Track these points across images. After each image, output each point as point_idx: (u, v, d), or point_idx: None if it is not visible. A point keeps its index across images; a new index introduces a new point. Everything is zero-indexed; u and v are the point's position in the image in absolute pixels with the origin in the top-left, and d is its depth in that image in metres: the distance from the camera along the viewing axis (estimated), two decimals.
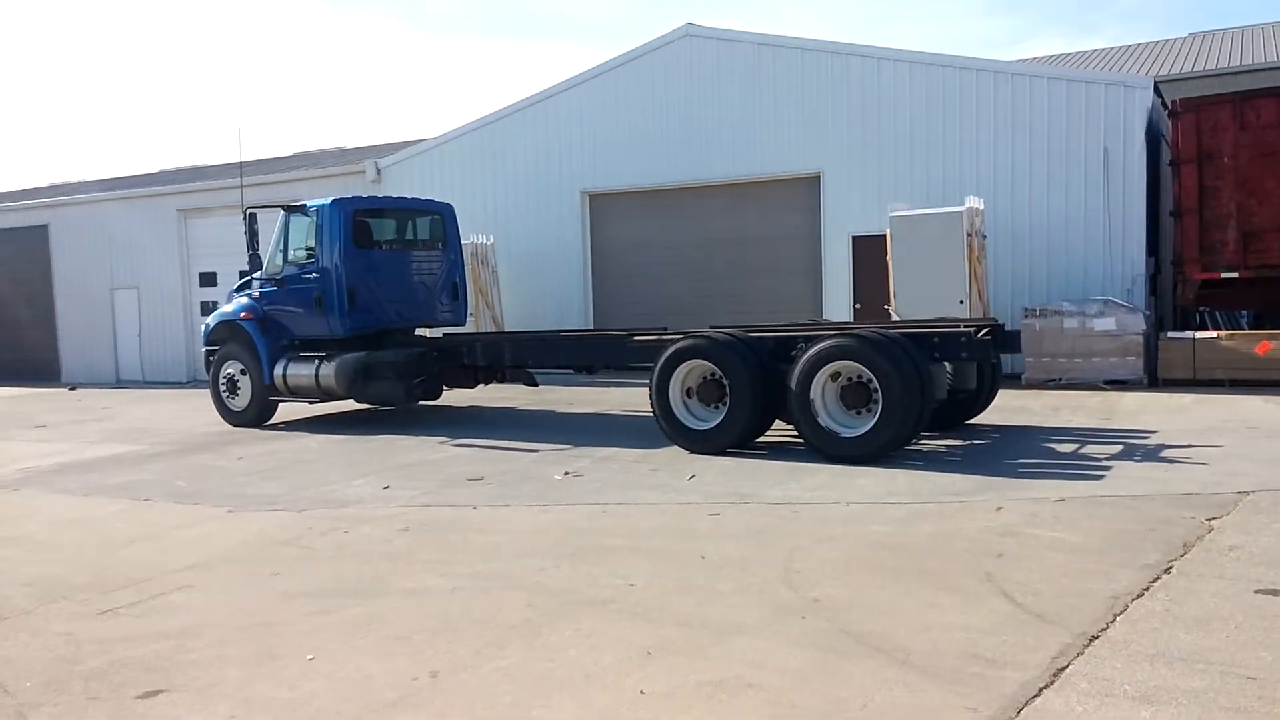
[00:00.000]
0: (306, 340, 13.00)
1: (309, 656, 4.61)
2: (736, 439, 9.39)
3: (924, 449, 9.24)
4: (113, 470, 10.34)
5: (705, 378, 9.62)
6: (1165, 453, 8.52)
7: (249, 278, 13.53)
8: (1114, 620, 4.59)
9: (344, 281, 12.50)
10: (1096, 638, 4.40)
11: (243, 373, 13.24)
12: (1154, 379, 13.19)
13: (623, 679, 4.20)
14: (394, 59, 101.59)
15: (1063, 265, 14.86)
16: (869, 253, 15.93)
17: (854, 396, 8.79)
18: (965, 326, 9.58)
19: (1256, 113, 12.98)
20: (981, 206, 14.46)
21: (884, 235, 14.80)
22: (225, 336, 13.54)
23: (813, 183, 16.84)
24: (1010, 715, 3.73)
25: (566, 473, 8.93)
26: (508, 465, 9.49)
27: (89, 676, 4.52)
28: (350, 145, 30.07)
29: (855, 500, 7.27)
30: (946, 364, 9.40)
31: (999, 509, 6.79)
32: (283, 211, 13.12)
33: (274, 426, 13.24)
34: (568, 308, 19.05)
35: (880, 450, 8.58)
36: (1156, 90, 14.92)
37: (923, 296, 13.88)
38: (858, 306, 16.36)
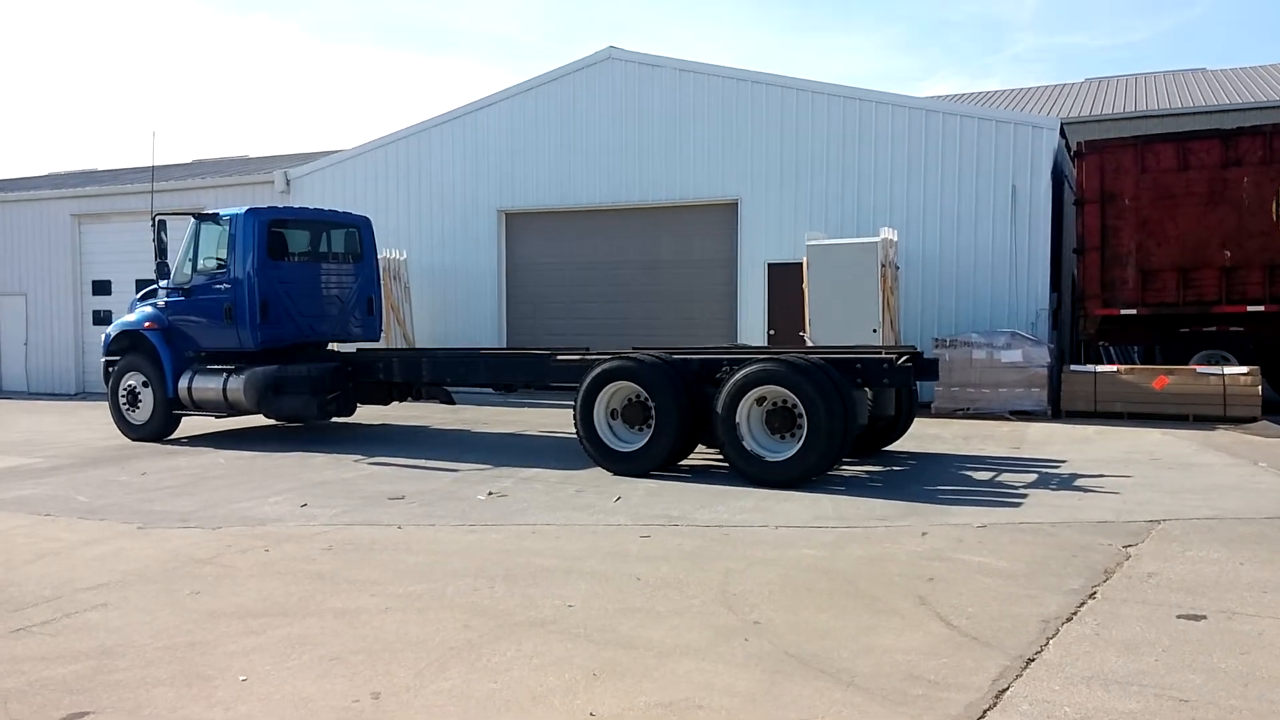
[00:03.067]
0: (213, 352, 12.55)
1: (242, 678, 4.39)
2: (661, 461, 9.37)
3: (845, 474, 9.39)
4: (6, 484, 9.75)
5: (630, 399, 9.63)
6: (1077, 481, 8.84)
7: (154, 286, 13.00)
8: (1047, 644, 4.71)
9: (256, 293, 12.14)
10: (1033, 660, 4.50)
11: (145, 385, 12.70)
12: (1057, 410, 13.71)
13: (571, 700, 4.12)
14: (293, 68, 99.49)
15: (971, 297, 15.37)
16: (784, 280, 16.20)
17: (779, 421, 8.89)
18: (886, 354, 9.77)
19: (1156, 157, 13.70)
20: (895, 238, 14.86)
21: (800, 263, 15.07)
22: (126, 347, 12.99)
23: (730, 209, 17.07)
24: None
25: (490, 493, 8.78)
26: (428, 484, 9.28)
27: (7, 697, 4.22)
28: (252, 155, 29.28)
29: (783, 524, 7.33)
30: (868, 390, 9.58)
31: (925, 534, 6.93)
32: (193, 219, 12.67)
33: (176, 441, 12.71)
34: (480, 326, 18.86)
35: (804, 474, 8.68)
36: (1062, 131, 15.61)
37: (837, 324, 14.19)
38: (772, 333, 16.60)
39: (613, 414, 9.71)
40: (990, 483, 8.94)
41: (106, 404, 13.29)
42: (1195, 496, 8.10)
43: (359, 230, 13.66)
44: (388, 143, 19.73)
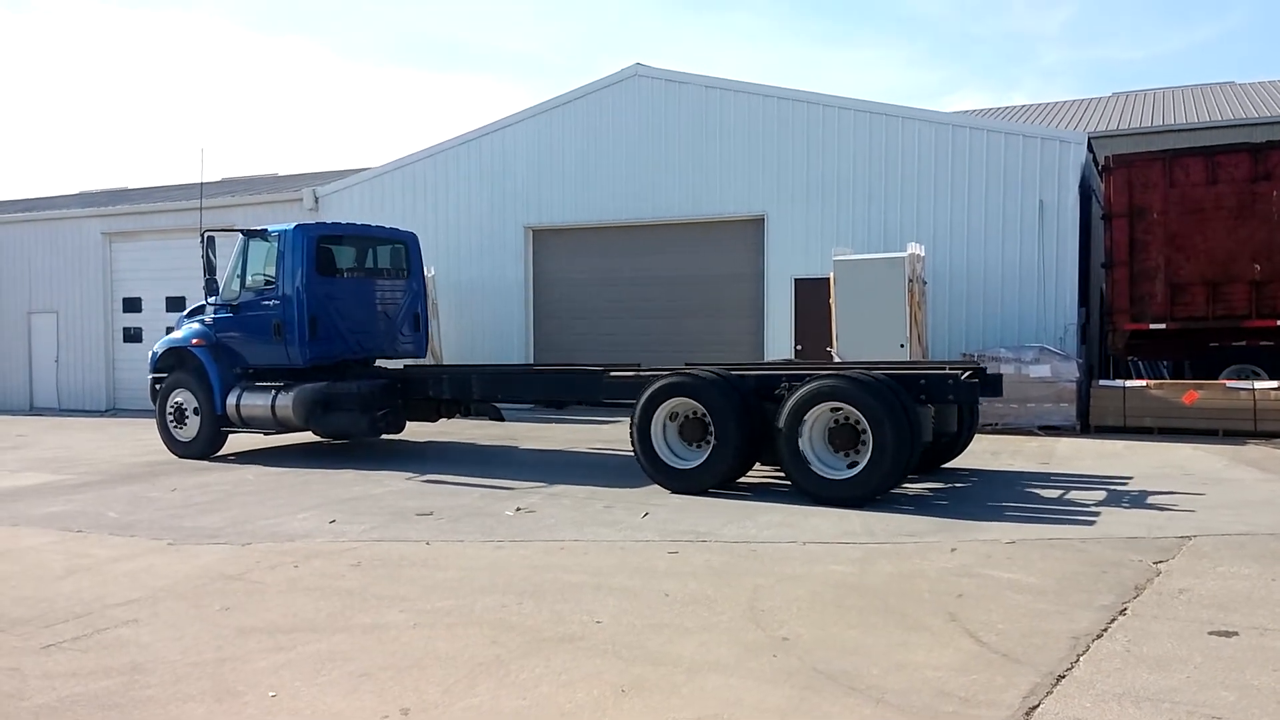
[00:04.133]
0: (261, 369, 12.54)
1: (271, 694, 4.43)
2: (719, 479, 9.20)
3: (909, 492, 9.24)
4: (38, 500, 9.89)
5: (688, 416, 9.44)
6: (1107, 497, 8.75)
7: (201, 304, 13.07)
8: (1078, 660, 4.67)
9: (305, 309, 12.10)
10: (1063, 677, 4.46)
11: (193, 409, 12.68)
12: (1085, 425, 13.59)
13: (599, 717, 4.13)
14: (320, 88, 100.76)
15: (998, 312, 15.29)
16: (811, 295, 16.19)
17: (842, 438, 8.66)
18: (951, 369, 9.42)
19: (1185, 171, 13.60)
20: (922, 253, 14.82)
21: (827, 278, 15.05)
22: (173, 364, 13.00)
23: (757, 224, 17.09)
24: None
25: (518, 508, 8.81)
26: (457, 500, 9.33)
27: (39, 712, 4.28)
28: (282, 173, 29.64)
29: (812, 540, 7.31)
30: (931, 407, 9.22)
31: (954, 550, 6.89)
32: (241, 235, 12.68)
33: (223, 458, 12.80)
34: (507, 342, 18.96)
35: (870, 493, 8.46)
36: (1089, 146, 15.53)
37: (864, 340, 14.13)
38: (799, 348, 16.57)
39: (669, 431, 9.53)
40: (1019, 498, 8.87)
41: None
42: (1228, 512, 8.01)
43: (406, 246, 13.61)
44: (415, 160, 19.93)
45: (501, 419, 13.00)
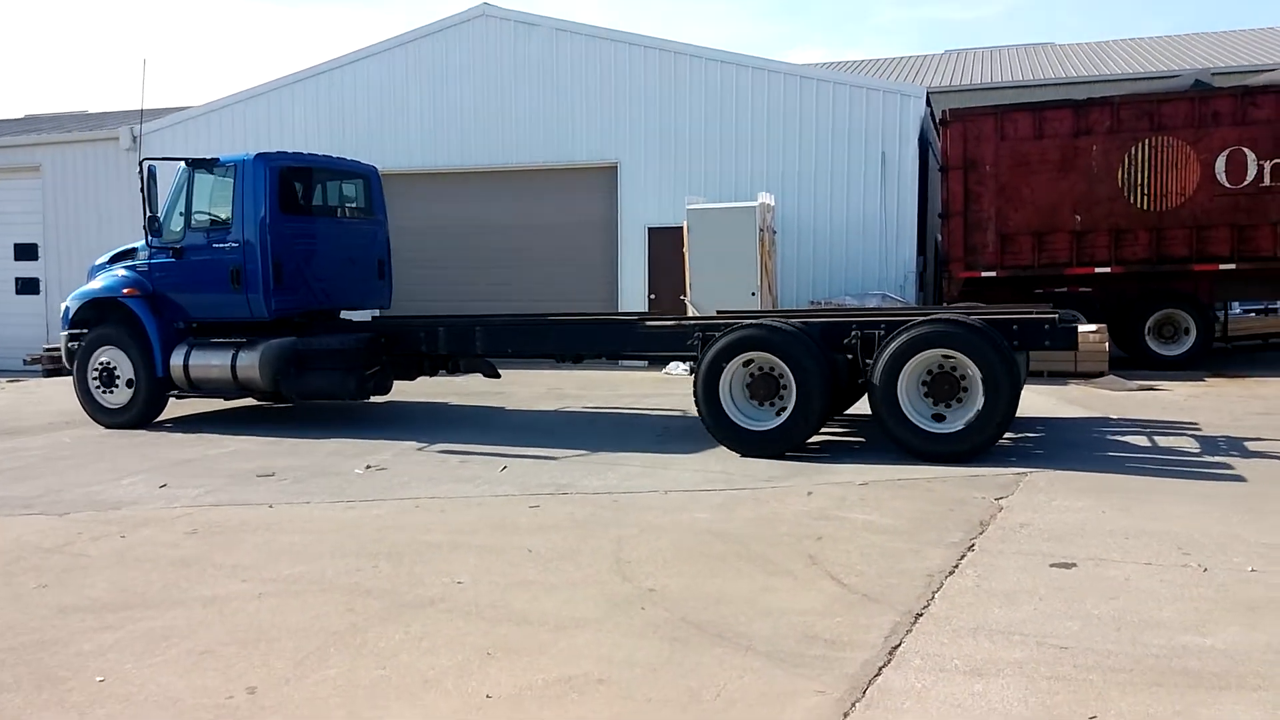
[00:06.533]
0: (209, 323, 11.00)
1: (99, 678, 4.04)
2: (798, 442, 8.42)
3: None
4: None
5: (755, 373, 8.59)
6: None
7: (127, 247, 11.39)
8: (933, 597, 4.81)
9: (269, 253, 10.46)
10: (921, 615, 4.58)
11: (126, 372, 10.99)
12: None
13: (464, 682, 3.96)
14: (136, 19, 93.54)
15: (844, 261, 15.72)
16: (665, 244, 16.20)
17: (942, 388, 8.05)
18: (1038, 314, 8.61)
19: (1014, 125, 14.21)
20: (773, 202, 15.01)
21: (679, 227, 15.06)
22: (92, 318, 11.29)
23: (610, 173, 16.92)
24: (857, 695, 3.80)
25: (368, 466, 8.45)
26: (298, 460, 8.87)
27: None
28: (93, 110, 27.41)
29: (673, 488, 7.30)
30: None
31: (810, 493, 7.02)
32: (184, 166, 10.89)
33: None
34: None
35: (983, 445, 7.90)
36: (928, 100, 16.02)
37: (717, 288, 14.24)
38: (653, 296, 16.60)
39: (736, 388, 8.64)
40: (870, 440, 9.13)
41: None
42: (1059, 448, 8.48)
43: (368, 180, 11.99)
44: (245, 98, 18.71)
45: (497, 375, 11.44)
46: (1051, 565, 5.25)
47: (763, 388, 8.56)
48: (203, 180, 10.85)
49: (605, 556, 5.59)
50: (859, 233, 15.65)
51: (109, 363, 11.10)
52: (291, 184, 10.96)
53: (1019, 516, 6.26)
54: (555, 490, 7.33)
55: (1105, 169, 13.99)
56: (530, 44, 17.15)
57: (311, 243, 11.09)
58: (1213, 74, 17.04)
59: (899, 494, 6.94)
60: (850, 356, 8.46)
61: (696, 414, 8.82)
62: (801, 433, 8.36)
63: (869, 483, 7.30)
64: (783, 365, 8.38)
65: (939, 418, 8.07)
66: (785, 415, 8.38)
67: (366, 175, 12.04)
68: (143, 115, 13.14)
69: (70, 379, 11.51)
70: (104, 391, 11.20)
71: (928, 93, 16.17)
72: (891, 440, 8.24)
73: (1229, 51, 24.71)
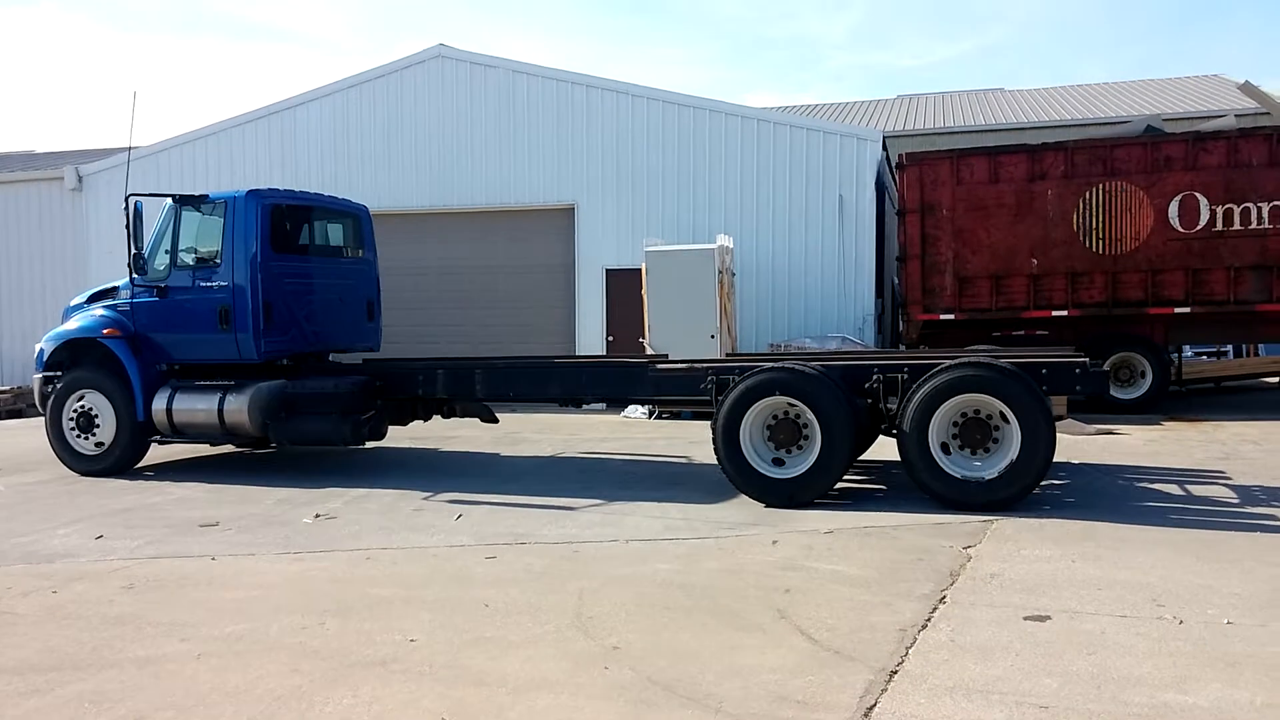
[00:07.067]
0: (192, 365, 10.59)
1: None
2: (823, 490, 8.12)
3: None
4: None
5: (777, 416, 8.29)
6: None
7: (106, 286, 11.00)
8: (907, 654, 4.65)
9: (260, 293, 10.13)
10: (895, 672, 4.42)
11: (107, 416, 10.56)
12: None
13: None
14: (80, 57, 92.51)
15: (803, 303, 15.71)
16: (623, 286, 16.09)
17: (973, 434, 7.80)
18: (1069, 358, 8.28)
19: (971, 170, 14.36)
20: (731, 244, 14.99)
21: (638, 269, 14.97)
22: (67, 360, 10.86)
23: (567, 214, 16.82)
24: None
25: (317, 515, 8.14)
26: (245, 508, 8.53)
27: None
28: (39, 150, 26.92)
29: (634, 538, 7.10)
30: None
31: (775, 542, 6.85)
32: (171, 202, 10.49)
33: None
34: None
35: (1020, 493, 7.62)
36: (884, 144, 16.17)
37: (676, 330, 14.15)
38: (611, 339, 16.45)
39: (755, 434, 8.33)
40: (863, 483, 9.00)
41: None
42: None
43: (359, 220, 11.71)
44: (195, 139, 18.40)
45: (495, 419, 11.08)
46: (1025, 618, 5.12)
47: (784, 433, 8.24)
48: (189, 217, 10.50)
49: (566, 611, 5.37)
50: (817, 275, 15.68)
51: (87, 407, 10.65)
52: (283, 222, 10.68)
53: (989, 566, 6.14)
54: (513, 540, 7.09)
55: (1060, 213, 14.17)
56: (487, 85, 17.08)
57: (302, 283, 10.78)
58: (1163, 119, 17.40)
59: (866, 543, 6.80)
60: (870, 401, 8.22)
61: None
62: (826, 480, 8.08)
63: (834, 530, 7.16)
64: (806, 410, 8.09)
65: (979, 461, 7.80)
66: (810, 462, 8.06)
67: (357, 214, 11.80)
68: (130, 151, 12.62)
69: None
70: (80, 436, 10.72)
71: (884, 136, 16.32)
72: (921, 489, 7.95)
73: (1178, 97, 25.38)
